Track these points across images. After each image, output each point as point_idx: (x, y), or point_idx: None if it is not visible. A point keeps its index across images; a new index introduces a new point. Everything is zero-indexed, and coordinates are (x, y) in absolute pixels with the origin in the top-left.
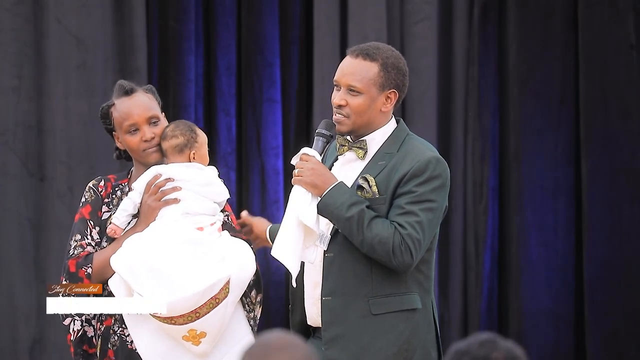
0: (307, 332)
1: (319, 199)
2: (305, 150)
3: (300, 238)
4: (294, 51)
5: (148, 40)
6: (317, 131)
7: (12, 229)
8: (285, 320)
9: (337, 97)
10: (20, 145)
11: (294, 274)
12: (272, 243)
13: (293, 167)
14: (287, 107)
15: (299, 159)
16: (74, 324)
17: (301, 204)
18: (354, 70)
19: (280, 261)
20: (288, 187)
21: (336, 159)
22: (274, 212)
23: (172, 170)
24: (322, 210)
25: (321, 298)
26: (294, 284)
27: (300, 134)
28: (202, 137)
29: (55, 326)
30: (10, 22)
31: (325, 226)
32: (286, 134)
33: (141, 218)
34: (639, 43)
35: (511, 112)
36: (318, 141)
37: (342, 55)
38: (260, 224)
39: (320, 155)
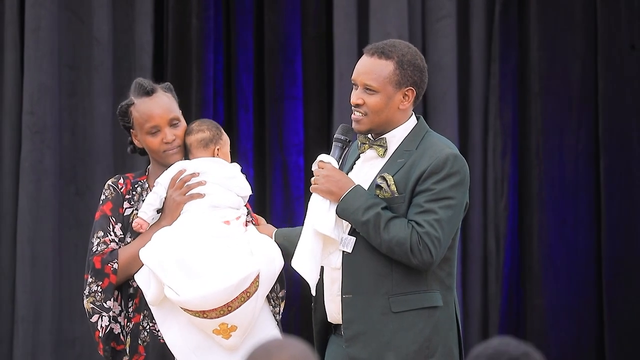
0: (329, 329)
1: (337, 205)
2: (321, 157)
3: (319, 247)
4: (314, 48)
5: (168, 38)
6: (334, 137)
7: (46, 227)
8: (304, 319)
9: (354, 96)
10: (56, 144)
11: (312, 284)
12: (280, 246)
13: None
14: (308, 104)
15: (317, 166)
16: (102, 320)
17: (318, 212)
18: (370, 69)
19: (299, 272)
20: (309, 184)
21: (358, 157)
22: (296, 208)
23: (196, 164)
24: (340, 216)
25: (341, 296)
26: (314, 293)
27: (321, 131)
28: (226, 137)
29: (77, 323)
30: (50, 21)
31: (346, 229)
32: (308, 130)
33: (165, 212)
34: None
35: (532, 109)
36: (336, 148)
37: (361, 52)
38: (265, 229)
39: (338, 161)
